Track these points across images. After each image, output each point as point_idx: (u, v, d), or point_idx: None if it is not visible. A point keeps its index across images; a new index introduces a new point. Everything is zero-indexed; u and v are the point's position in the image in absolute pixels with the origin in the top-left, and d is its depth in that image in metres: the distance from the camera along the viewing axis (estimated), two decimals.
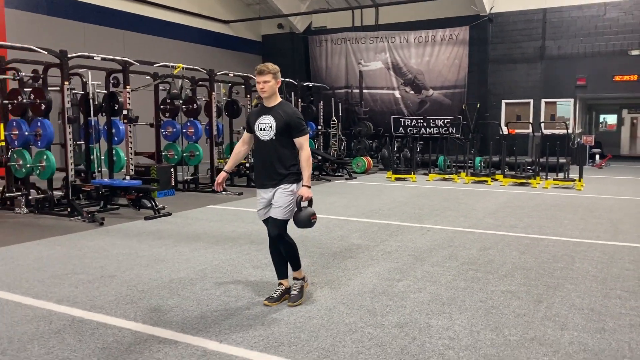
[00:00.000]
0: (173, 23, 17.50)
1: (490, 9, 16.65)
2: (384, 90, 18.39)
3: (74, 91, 8.98)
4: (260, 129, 4.04)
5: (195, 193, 10.78)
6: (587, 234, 6.76)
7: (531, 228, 7.11)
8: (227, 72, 12.26)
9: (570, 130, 15.24)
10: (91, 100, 9.27)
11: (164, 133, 11.16)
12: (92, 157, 9.45)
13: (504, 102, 17.10)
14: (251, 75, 11.97)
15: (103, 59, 9.01)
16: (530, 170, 12.86)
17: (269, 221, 4.11)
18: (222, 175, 4.33)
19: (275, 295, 4.15)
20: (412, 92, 18.02)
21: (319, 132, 15.92)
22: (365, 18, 19.23)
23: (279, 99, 4.09)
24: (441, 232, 6.88)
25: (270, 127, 3.99)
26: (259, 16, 19.91)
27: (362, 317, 3.86)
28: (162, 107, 11.16)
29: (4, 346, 3.38)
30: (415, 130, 17.91)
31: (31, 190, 8.38)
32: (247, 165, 11.48)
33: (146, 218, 7.80)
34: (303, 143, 4.02)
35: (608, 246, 6.08)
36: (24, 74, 8.33)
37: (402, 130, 18.01)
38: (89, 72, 9.35)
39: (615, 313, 3.95)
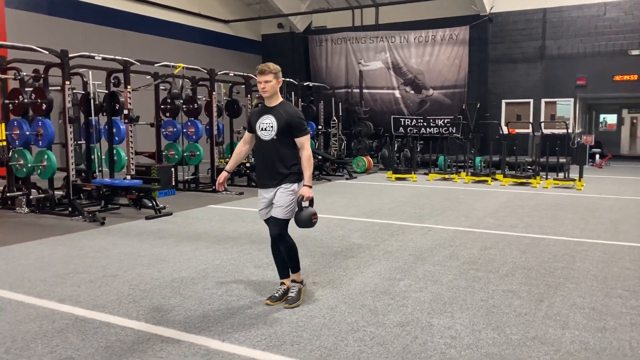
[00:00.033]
0: (173, 23, 17.51)
1: (490, 9, 16.66)
2: (384, 90, 18.39)
3: (74, 91, 8.98)
4: (262, 129, 4.05)
5: (196, 193, 10.79)
6: (588, 233, 6.77)
7: (532, 228, 7.12)
8: (228, 71, 12.26)
9: (570, 130, 15.25)
10: (92, 100, 9.28)
11: (164, 133, 11.17)
12: (92, 156, 9.46)
13: (504, 101, 17.11)
14: (251, 75, 11.98)
15: (104, 58, 9.02)
16: (531, 170, 12.86)
17: (270, 221, 4.12)
18: (224, 175, 4.33)
19: (277, 295, 4.16)
20: (412, 91, 18.03)
21: (319, 132, 15.91)
22: (365, 18, 19.23)
23: (280, 99, 4.10)
24: (442, 231, 6.89)
25: (272, 126, 4.00)
26: (259, 16, 19.92)
27: (364, 316, 3.87)
28: (162, 106, 11.18)
29: (8, 345, 3.40)
30: (415, 130, 17.91)
31: (32, 190, 8.40)
32: (248, 165, 11.49)
33: (147, 218, 7.82)
34: (304, 143, 4.02)
35: (608, 246, 6.09)
36: (24, 73, 8.34)
37: (402, 130, 18.01)
38: (90, 72, 9.37)
39: (616, 312, 3.97)
